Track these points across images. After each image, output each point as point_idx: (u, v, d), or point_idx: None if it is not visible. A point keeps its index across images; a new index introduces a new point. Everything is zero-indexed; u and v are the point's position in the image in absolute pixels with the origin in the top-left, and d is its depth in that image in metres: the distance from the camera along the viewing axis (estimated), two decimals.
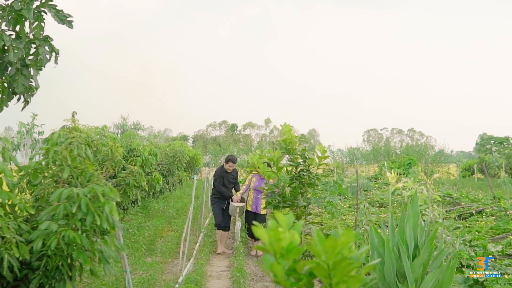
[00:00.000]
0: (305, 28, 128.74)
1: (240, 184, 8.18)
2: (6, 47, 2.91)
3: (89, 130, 5.81)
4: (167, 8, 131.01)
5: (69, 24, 3.15)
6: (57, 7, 3.14)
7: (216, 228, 7.69)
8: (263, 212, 7.46)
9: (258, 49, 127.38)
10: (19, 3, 2.95)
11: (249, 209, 7.58)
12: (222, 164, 8.01)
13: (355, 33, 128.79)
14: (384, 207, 11.76)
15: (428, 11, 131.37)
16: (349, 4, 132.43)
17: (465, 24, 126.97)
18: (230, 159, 7.73)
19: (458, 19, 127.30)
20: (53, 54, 3.18)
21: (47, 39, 3.15)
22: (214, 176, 7.85)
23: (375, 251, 3.46)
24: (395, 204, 10.90)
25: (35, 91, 3.16)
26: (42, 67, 3.17)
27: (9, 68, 3.05)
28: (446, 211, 10.49)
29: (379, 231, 3.57)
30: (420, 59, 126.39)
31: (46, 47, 3.13)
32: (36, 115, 11.17)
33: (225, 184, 7.66)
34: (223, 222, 7.65)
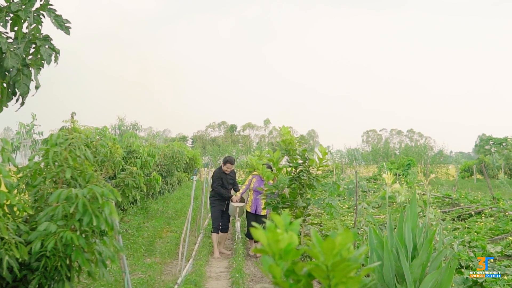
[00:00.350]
0: (305, 28, 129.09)
1: (240, 185, 8.17)
2: (3, 50, 2.91)
3: (89, 131, 5.82)
4: (166, 8, 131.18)
5: (66, 30, 3.16)
6: (56, 12, 3.15)
7: (212, 231, 7.63)
8: (263, 212, 7.45)
9: (257, 49, 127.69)
10: (17, 5, 2.96)
11: (249, 210, 7.55)
12: (220, 165, 7.99)
13: (354, 33, 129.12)
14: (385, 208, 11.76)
15: (428, 11, 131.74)
16: (349, 4, 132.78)
17: (465, 24, 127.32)
18: (228, 160, 7.72)
19: (458, 19, 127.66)
20: (53, 53, 3.19)
21: (47, 39, 3.16)
22: (212, 177, 7.82)
23: (374, 252, 3.46)
24: (395, 205, 10.90)
25: (29, 91, 3.16)
26: (42, 67, 3.17)
27: (10, 69, 3.05)
28: (445, 212, 10.50)
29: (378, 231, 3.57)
30: (420, 59, 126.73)
31: (47, 46, 3.13)
32: (35, 115, 11.17)
33: (224, 185, 7.65)
34: (221, 225, 7.64)
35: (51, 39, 3.19)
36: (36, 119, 10.97)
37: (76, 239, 2.59)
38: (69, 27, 3.20)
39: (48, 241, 2.56)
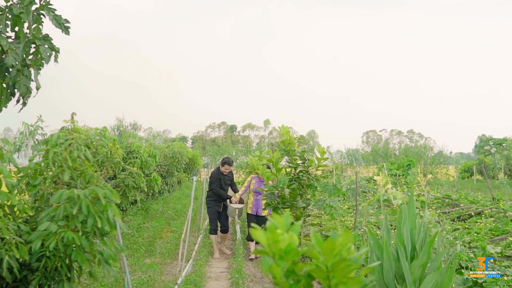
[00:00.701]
0: (305, 29, 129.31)
1: (239, 186, 8.15)
2: (5, 50, 2.91)
3: (89, 131, 5.82)
4: (166, 8, 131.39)
5: (66, 30, 3.16)
6: (56, 11, 3.15)
7: (210, 232, 7.63)
8: (264, 213, 7.43)
9: (257, 50, 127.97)
10: (18, 6, 2.96)
11: (249, 211, 7.52)
12: (218, 166, 7.97)
13: (354, 34, 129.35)
14: (386, 207, 11.76)
15: (428, 11, 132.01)
16: (349, 4, 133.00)
17: (465, 25, 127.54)
18: (227, 162, 7.70)
19: (458, 19, 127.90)
20: (53, 52, 3.19)
21: (47, 38, 3.16)
22: (210, 178, 7.80)
23: (374, 252, 3.46)
24: (394, 206, 10.88)
25: (31, 92, 3.16)
26: (41, 67, 3.17)
27: (10, 70, 3.05)
28: (445, 213, 10.50)
29: (377, 232, 3.58)
30: (420, 60, 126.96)
31: (46, 46, 3.13)
32: (40, 116, 11.15)
33: (222, 186, 7.65)
34: (221, 226, 7.64)
35: (51, 39, 3.19)
36: (43, 121, 10.93)
37: (77, 239, 2.59)
38: (69, 27, 3.20)
39: (49, 241, 2.56)
